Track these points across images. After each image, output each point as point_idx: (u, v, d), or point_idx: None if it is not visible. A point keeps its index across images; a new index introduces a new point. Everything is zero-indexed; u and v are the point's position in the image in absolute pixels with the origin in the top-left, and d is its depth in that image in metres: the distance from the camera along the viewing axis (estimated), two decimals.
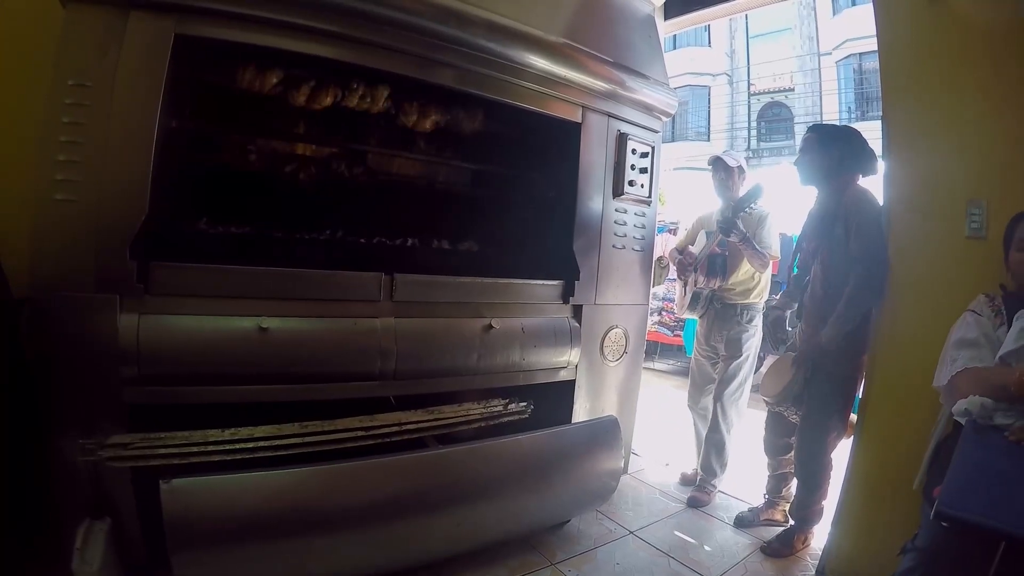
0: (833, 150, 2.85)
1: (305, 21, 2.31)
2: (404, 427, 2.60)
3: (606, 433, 3.06)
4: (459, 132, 3.28)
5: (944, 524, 1.58)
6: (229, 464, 2.16)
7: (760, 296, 3.67)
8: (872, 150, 2.86)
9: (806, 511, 3.02)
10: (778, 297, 3.38)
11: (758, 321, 3.66)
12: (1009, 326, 1.95)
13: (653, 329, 8.09)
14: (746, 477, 3.88)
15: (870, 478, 2.71)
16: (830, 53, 19.72)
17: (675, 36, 15.24)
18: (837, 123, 3.14)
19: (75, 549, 1.98)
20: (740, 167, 3.73)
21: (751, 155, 20.31)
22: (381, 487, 2.35)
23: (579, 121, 3.17)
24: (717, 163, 3.77)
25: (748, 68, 22.43)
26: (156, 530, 1.96)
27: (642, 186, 3.45)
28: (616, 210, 3.38)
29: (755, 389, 4.16)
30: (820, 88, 20.14)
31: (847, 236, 2.73)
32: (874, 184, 2.81)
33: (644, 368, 4.11)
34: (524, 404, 3.02)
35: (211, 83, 2.62)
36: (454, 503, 2.52)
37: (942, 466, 1.90)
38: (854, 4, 18.53)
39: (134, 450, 2.06)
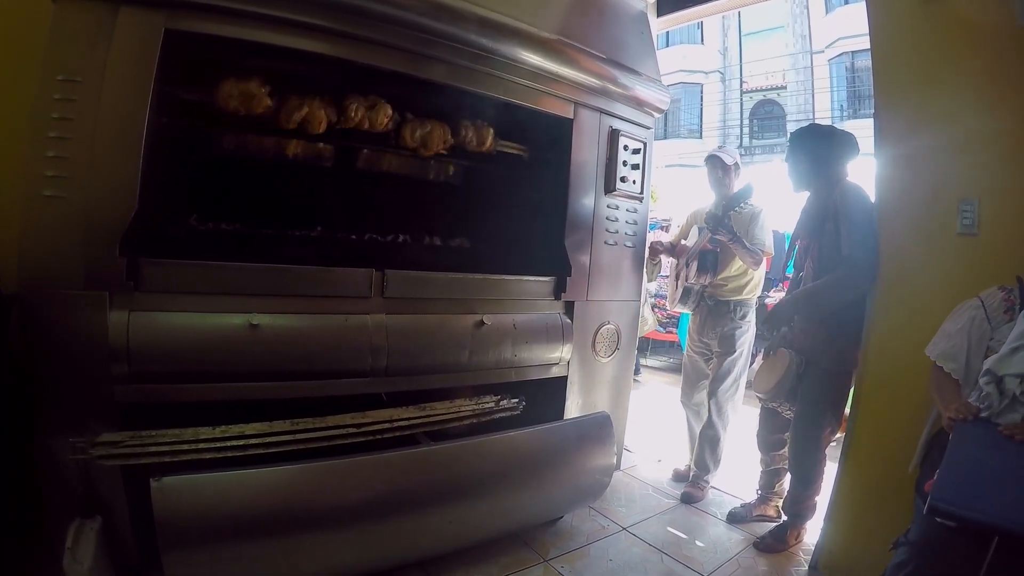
0: (816, 151, 2.88)
1: (296, 16, 2.29)
2: (396, 424, 2.60)
3: (598, 429, 3.07)
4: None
5: (937, 519, 1.58)
6: (220, 462, 2.15)
7: (753, 292, 3.68)
8: (848, 133, 2.91)
9: (799, 506, 3.03)
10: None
11: (751, 317, 3.67)
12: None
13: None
14: (739, 473, 3.89)
15: (863, 473, 2.72)
16: (823, 51, 19.77)
17: (668, 33, 15.30)
18: (809, 123, 3.15)
19: (66, 548, 1.97)
20: (736, 164, 3.75)
21: (743, 152, 20.32)
22: (373, 484, 2.35)
23: (571, 117, 3.16)
24: (713, 160, 3.78)
25: (741, 66, 22.49)
26: (147, 529, 1.96)
27: (634, 182, 3.45)
28: (608, 206, 3.37)
29: (748, 385, 4.17)
30: (812, 86, 20.19)
31: (837, 232, 2.74)
32: (866, 179, 2.82)
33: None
34: (516, 400, 3.02)
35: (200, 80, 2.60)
36: (446, 500, 2.52)
37: (934, 460, 1.91)
38: (847, 2, 18.60)
39: (124, 448, 2.05)
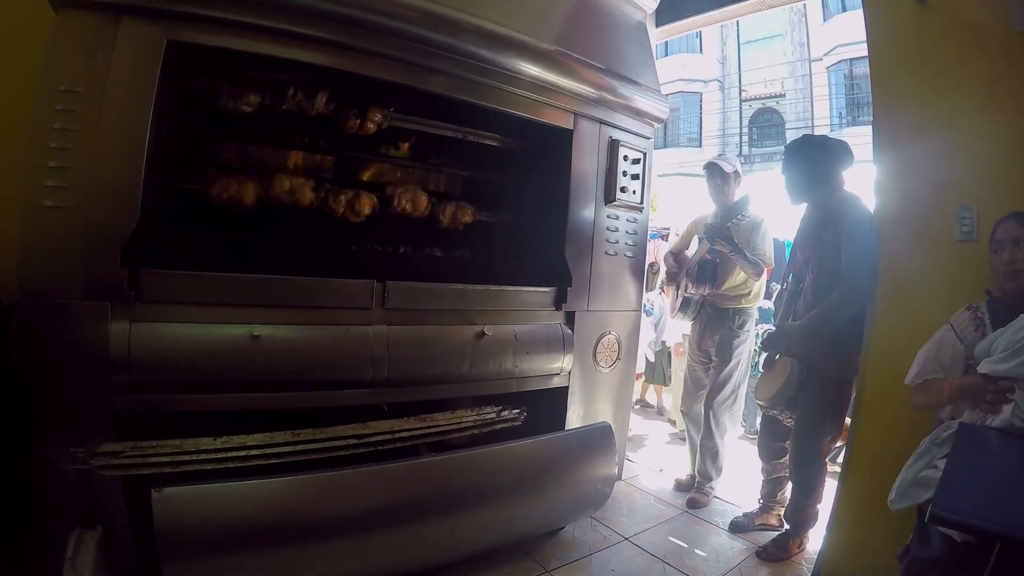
0: (811, 162, 2.88)
1: (297, 28, 2.29)
2: (397, 435, 2.59)
3: (600, 439, 3.06)
4: (450, 139, 3.28)
5: (939, 527, 1.58)
6: (221, 473, 2.15)
7: (753, 302, 3.68)
8: (841, 141, 2.92)
9: (801, 515, 3.02)
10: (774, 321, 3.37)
11: (750, 326, 3.67)
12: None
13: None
14: (741, 482, 3.88)
15: (865, 481, 2.71)
16: (821, 59, 19.86)
17: (667, 43, 15.31)
18: (802, 135, 3.17)
19: (66, 558, 1.96)
20: (735, 172, 3.74)
21: (743, 161, 20.32)
22: (374, 495, 2.35)
23: (571, 128, 3.16)
24: (712, 168, 3.78)
25: (740, 74, 22.56)
26: (148, 539, 1.95)
27: (634, 192, 3.45)
28: (608, 216, 3.38)
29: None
30: (811, 94, 20.26)
31: (837, 243, 2.74)
32: (863, 188, 2.83)
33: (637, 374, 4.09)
34: (517, 411, 3.02)
35: (202, 90, 2.60)
36: (447, 511, 2.51)
37: None
38: (844, 10, 18.67)
39: (125, 459, 2.05)
